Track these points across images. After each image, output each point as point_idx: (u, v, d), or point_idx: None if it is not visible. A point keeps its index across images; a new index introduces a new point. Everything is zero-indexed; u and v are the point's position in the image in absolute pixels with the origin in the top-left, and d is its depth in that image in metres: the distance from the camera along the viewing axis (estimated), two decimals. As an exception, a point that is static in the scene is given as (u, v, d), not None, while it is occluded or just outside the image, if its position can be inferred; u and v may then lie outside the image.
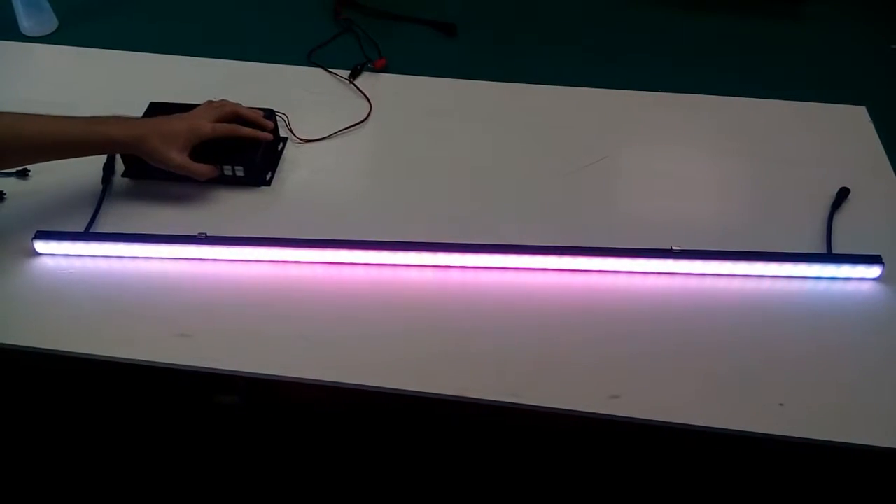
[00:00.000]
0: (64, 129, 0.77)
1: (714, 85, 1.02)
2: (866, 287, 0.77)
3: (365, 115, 0.98)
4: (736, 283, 0.78)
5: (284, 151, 0.93)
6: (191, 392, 1.24)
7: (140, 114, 0.89)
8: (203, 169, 0.83)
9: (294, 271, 0.79)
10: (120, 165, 0.89)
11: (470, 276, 0.78)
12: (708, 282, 0.78)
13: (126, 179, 0.89)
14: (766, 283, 0.78)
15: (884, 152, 0.92)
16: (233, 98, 0.88)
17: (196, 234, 0.79)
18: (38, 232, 0.79)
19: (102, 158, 0.88)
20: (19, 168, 0.88)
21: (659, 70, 1.07)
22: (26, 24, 1.12)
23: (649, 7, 1.21)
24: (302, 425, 1.24)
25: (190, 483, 1.19)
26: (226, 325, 0.74)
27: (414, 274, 0.78)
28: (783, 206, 0.86)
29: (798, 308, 0.76)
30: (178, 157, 0.81)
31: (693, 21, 1.18)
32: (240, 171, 0.87)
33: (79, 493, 1.20)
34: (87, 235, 0.81)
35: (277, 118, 0.93)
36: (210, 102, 0.87)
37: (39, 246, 0.79)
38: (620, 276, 0.78)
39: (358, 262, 0.79)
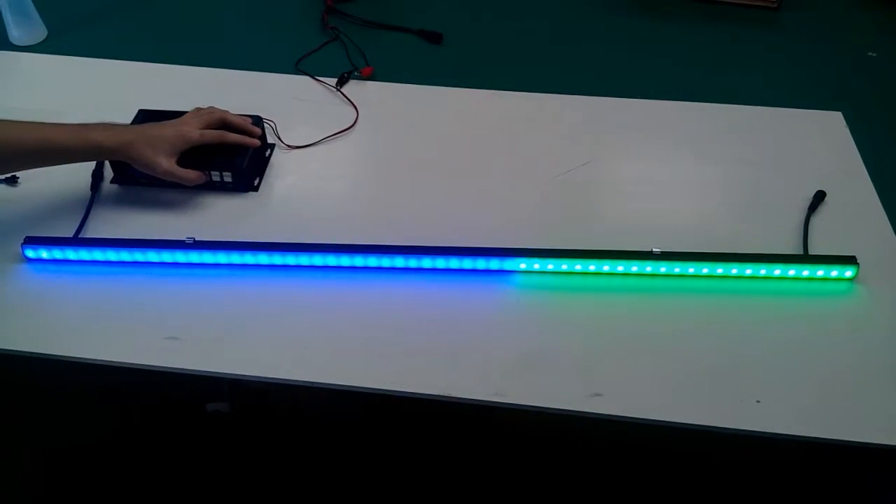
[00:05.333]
0: (52, 136, 0.78)
1: (694, 91, 1.04)
2: (841, 287, 0.79)
3: (352, 122, 0.99)
4: (715, 284, 0.79)
5: (272, 158, 0.94)
6: (181, 401, 1.24)
7: (129, 121, 0.89)
8: (191, 175, 0.84)
9: (281, 275, 0.80)
10: (108, 172, 0.90)
11: (454, 279, 0.80)
12: (687, 283, 0.79)
13: (114, 186, 0.90)
14: (744, 284, 0.79)
15: (859, 156, 0.94)
16: (221, 105, 0.90)
17: (184, 239, 0.80)
18: (27, 238, 0.80)
19: (91, 165, 0.88)
20: (8, 175, 0.88)
21: (640, 77, 1.09)
22: (15, 33, 1.13)
23: (630, 15, 1.23)
24: (291, 431, 1.25)
25: (181, 492, 1.19)
26: (214, 329, 0.75)
27: (399, 277, 0.80)
28: (761, 209, 0.88)
29: (775, 308, 0.77)
30: (166, 163, 0.82)
31: (673, 29, 1.20)
32: (227, 177, 0.88)
33: (69, 500, 1.20)
34: (76, 241, 0.82)
35: (265, 125, 0.94)
36: (198, 109, 0.88)
37: (28, 252, 0.80)
38: (602, 277, 0.80)
39: (344, 266, 0.80)
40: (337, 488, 1.19)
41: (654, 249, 0.79)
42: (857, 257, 0.78)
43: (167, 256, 0.80)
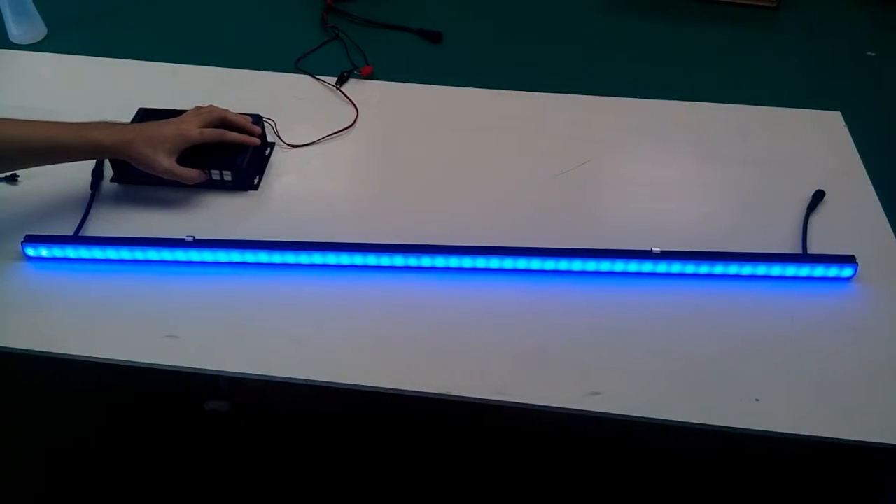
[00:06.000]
0: (52, 135, 0.78)
1: (694, 91, 1.04)
2: (840, 286, 0.79)
3: (351, 121, 0.99)
4: (714, 283, 0.79)
5: (272, 156, 0.94)
6: (179, 399, 1.25)
7: (129, 120, 0.89)
8: (191, 173, 0.84)
9: (281, 274, 0.80)
10: (108, 170, 0.90)
11: (453, 278, 0.80)
12: (687, 282, 0.79)
13: (114, 184, 0.90)
14: (743, 283, 0.80)
15: (858, 156, 0.94)
16: (221, 104, 0.89)
17: (184, 237, 0.80)
18: (27, 236, 0.80)
19: (91, 163, 0.89)
20: (8, 173, 0.88)
21: (639, 76, 1.09)
22: (15, 32, 1.13)
23: (630, 15, 1.24)
24: (289, 431, 1.25)
25: (179, 490, 1.19)
26: (213, 327, 0.75)
27: (398, 275, 0.80)
28: (760, 208, 0.88)
29: (774, 307, 0.77)
30: (166, 162, 0.82)
31: (672, 28, 1.20)
32: (227, 176, 0.88)
33: (69, 499, 1.20)
34: (76, 239, 0.82)
35: (265, 124, 0.94)
36: (198, 108, 0.88)
37: (29, 250, 0.80)
38: (602, 276, 0.80)
39: (344, 264, 0.80)
40: (335, 488, 1.19)
41: (653, 248, 0.79)
42: (856, 256, 0.79)
43: (167, 255, 0.80)
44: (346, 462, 1.21)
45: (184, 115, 0.87)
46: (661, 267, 0.79)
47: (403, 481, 1.19)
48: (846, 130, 0.98)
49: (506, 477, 1.19)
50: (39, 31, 1.15)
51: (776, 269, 0.79)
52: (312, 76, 1.07)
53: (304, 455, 1.23)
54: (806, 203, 0.87)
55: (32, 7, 1.13)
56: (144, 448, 1.23)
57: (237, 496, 1.19)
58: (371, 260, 0.80)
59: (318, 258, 0.80)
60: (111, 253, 0.80)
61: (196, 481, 1.19)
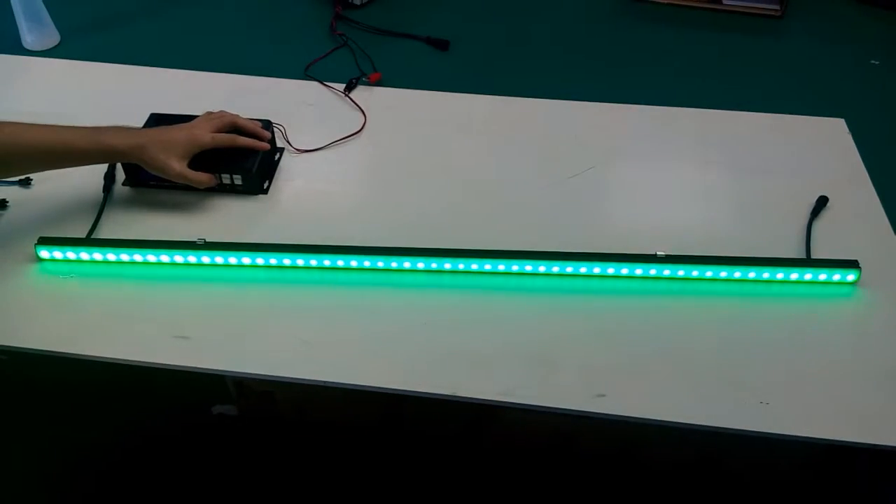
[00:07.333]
0: (65, 139, 0.79)
1: (698, 98, 1.05)
2: (844, 291, 0.80)
3: (359, 127, 1.01)
4: (718, 287, 0.80)
5: (281, 161, 0.95)
6: (187, 403, 1.25)
7: (141, 125, 0.91)
8: (202, 177, 0.86)
9: (290, 276, 0.81)
10: (120, 174, 0.91)
11: (460, 281, 0.81)
12: (691, 286, 0.80)
13: (126, 188, 0.91)
14: (747, 287, 0.80)
15: (861, 162, 0.95)
16: (232, 110, 0.91)
17: (195, 240, 0.81)
18: (40, 238, 0.81)
19: (103, 167, 0.90)
20: (22, 177, 0.90)
21: (644, 83, 1.10)
22: (29, 38, 1.15)
23: (635, 23, 1.25)
24: (296, 435, 1.26)
25: (186, 494, 1.19)
26: (223, 328, 0.76)
27: (406, 279, 0.81)
28: (764, 214, 0.89)
29: (778, 311, 0.78)
30: (178, 166, 0.83)
31: (678, 37, 1.21)
32: (237, 180, 0.89)
33: (76, 499, 1.20)
34: (89, 241, 0.83)
35: (274, 129, 0.95)
36: (209, 113, 0.89)
37: (42, 252, 0.81)
38: (607, 279, 0.80)
39: (352, 267, 0.81)
40: (342, 492, 1.19)
41: (657, 252, 0.79)
42: (860, 261, 0.79)
43: (178, 257, 0.81)
44: (351, 467, 1.21)
45: (195, 120, 0.88)
46: (666, 271, 0.80)
47: (408, 487, 1.19)
48: (850, 137, 0.99)
49: (511, 485, 1.19)
50: (53, 37, 1.17)
51: (780, 274, 0.80)
52: (321, 83, 1.08)
53: (310, 460, 1.23)
54: (810, 209, 0.88)
55: (46, 14, 1.15)
56: (151, 451, 1.24)
57: (243, 500, 1.19)
58: (378, 263, 0.81)
59: (326, 261, 0.81)
60: (123, 255, 0.81)
61: (203, 485, 1.20)
